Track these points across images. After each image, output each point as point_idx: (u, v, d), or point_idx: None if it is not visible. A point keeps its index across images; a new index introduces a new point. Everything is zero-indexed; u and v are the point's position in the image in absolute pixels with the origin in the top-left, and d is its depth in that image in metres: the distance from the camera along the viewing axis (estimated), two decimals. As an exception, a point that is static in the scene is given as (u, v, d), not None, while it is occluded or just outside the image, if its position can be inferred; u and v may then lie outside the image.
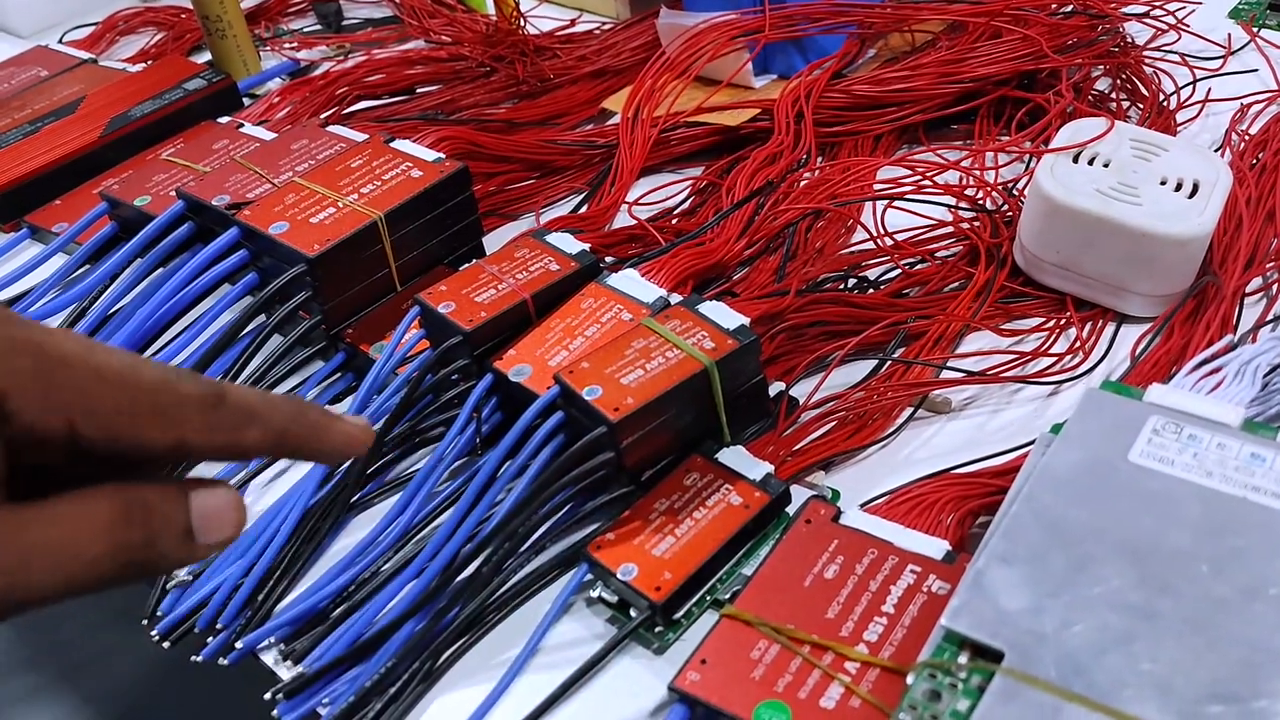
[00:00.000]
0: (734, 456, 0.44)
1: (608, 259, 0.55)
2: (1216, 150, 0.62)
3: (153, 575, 0.28)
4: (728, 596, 0.40)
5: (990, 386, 0.50)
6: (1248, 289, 0.51)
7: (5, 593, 0.25)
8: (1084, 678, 0.30)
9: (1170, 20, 0.70)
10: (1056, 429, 0.39)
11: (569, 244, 0.50)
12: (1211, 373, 0.41)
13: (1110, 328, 0.52)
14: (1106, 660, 0.31)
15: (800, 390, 0.49)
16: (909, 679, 0.32)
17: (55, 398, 0.25)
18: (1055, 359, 0.50)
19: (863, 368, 0.50)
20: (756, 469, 0.43)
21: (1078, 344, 0.51)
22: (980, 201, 0.58)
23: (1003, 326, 0.52)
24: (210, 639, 0.42)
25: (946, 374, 0.49)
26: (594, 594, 0.41)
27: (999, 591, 0.33)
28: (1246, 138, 0.61)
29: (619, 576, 0.40)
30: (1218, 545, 0.33)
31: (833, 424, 0.47)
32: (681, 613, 0.40)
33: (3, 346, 0.25)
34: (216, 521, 0.28)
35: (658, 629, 0.40)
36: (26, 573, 0.25)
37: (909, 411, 0.48)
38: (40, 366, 0.25)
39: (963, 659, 0.32)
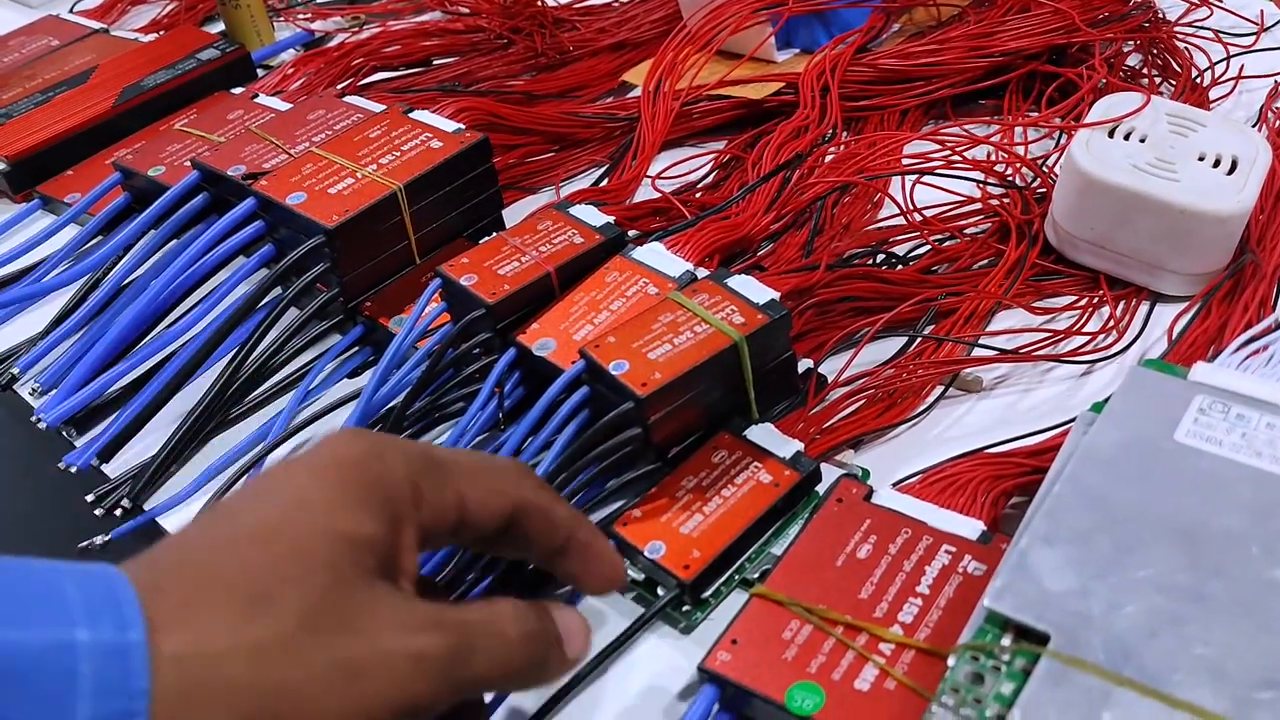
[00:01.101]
0: (763, 434, 0.43)
1: (631, 233, 0.54)
2: (1252, 127, 0.60)
3: (539, 681, 0.32)
4: (756, 576, 0.39)
5: (1021, 365, 0.49)
6: (1286, 268, 0.50)
7: (451, 666, 0.28)
8: (1133, 661, 0.29)
9: (1202, -5, 0.69)
10: (1097, 408, 0.37)
11: (593, 216, 0.49)
12: (1256, 352, 0.40)
13: (1144, 307, 0.51)
14: (1157, 644, 0.30)
15: (828, 367, 0.48)
16: (950, 661, 0.31)
17: (450, 483, 0.31)
18: (1089, 338, 0.49)
19: (891, 346, 0.49)
20: (786, 446, 0.42)
21: (1111, 323, 0.50)
22: (1010, 178, 0.57)
23: (1035, 304, 0.51)
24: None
25: (978, 352, 0.48)
26: (619, 571, 0.40)
27: (1043, 572, 0.32)
28: (1282, 115, 0.60)
29: (646, 554, 0.39)
30: (1269, 527, 0.32)
31: (862, 402, 0.46)
32: (709, 592, 0.40)
33: (405, 448, 0.30)
34: (574, 636, 0.32)
35: (685, 608, 0.39)
36: (471, 650, 0.28)
37: (939, 390, 0.47)
38: (432, 461, 0.31)
39: (1006, 641, 0.31)
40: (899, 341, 0.49)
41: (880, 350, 0.49)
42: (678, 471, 0.42)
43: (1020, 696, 0.29)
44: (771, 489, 0.41)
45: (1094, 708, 0.29)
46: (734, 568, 0.40)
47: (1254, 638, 0.30)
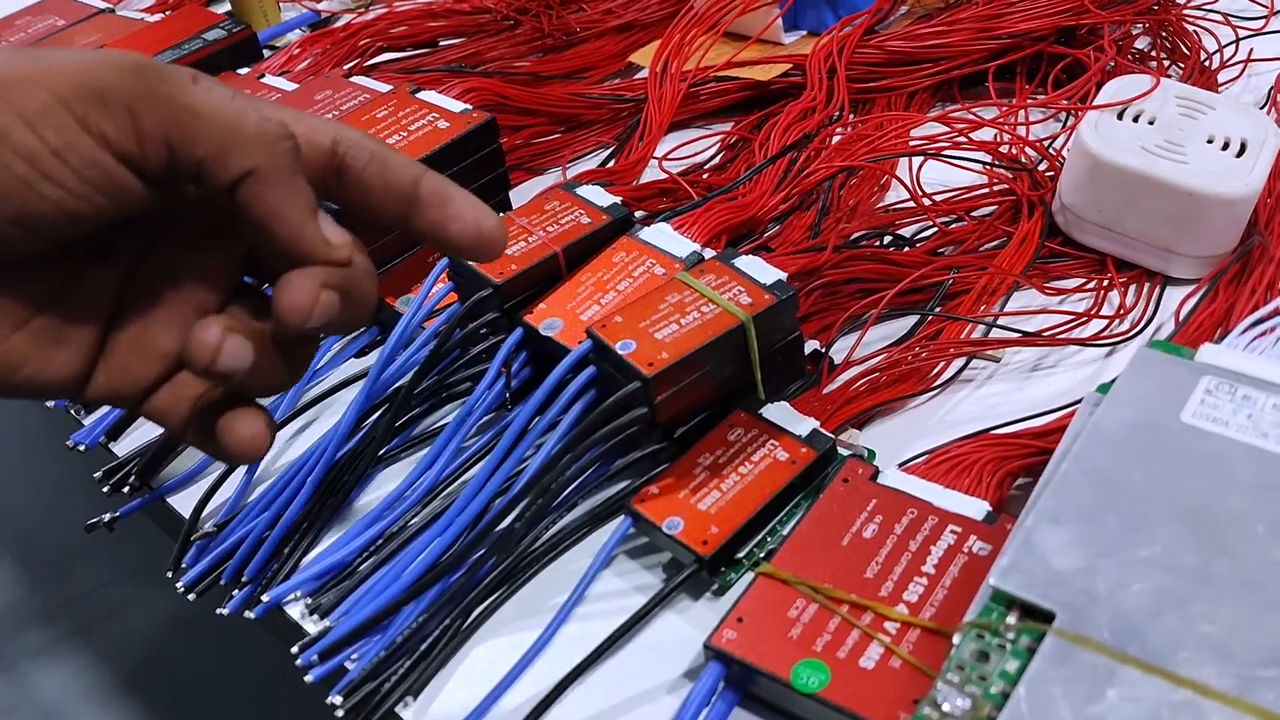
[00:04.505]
0: (778, 412, 0.43)
1: (638, 213, 0.54)
2: (1261, 110, 0.60)
3: None
4: (763, 554, 0.40)
5: (1026, 347, 0.49)
6: (1294, 251, 0.50)
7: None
8: (1138, 640, 0.29)
9: (1212, -22, 0.68)
10: (1104, 388, 0.37)
11: (600, 197, 0.49)
12: (1263, 334, 0.40)
13: (1151, 289, 0.51)
14: (1162, 622, 0.30)
15: (837, 350, 0.47)
16: (955, 639, 0.32)
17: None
18: (1107, 321, 0.49)
19: (898, 329, 0.49)
20: (802, 424, 0.42)
21: (1121, 308, 0.50)
22: (1017, 159, 0.57)
23: (1045, 286, 0.51)
24: (235, 592, 0.42)
25: (999, 334, 0.48)
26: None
27: (1049, 551, 0.32)
28: (1291, 98, 0.59)
29: (665, 530, 0.39)
30: (1275, 507, 0.32)
31: (870, 381, 0.46)
32: (731, 565, 0.40)
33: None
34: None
35: (721, 569, 0.40)
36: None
37: (958, 365, 0.47)
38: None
39: (1011, 619, 0.31)
40: (905, 326, 0.49)
41: (890, 331, 0.49)
42: (694, 449, 0.42)
43: (1025, 674, 0.30)
44: (788, 466, 0.41)
45: (1099, 685, 0.29)
46: (754, 543, 0.40)
47: (1259, 616, 0.30)
